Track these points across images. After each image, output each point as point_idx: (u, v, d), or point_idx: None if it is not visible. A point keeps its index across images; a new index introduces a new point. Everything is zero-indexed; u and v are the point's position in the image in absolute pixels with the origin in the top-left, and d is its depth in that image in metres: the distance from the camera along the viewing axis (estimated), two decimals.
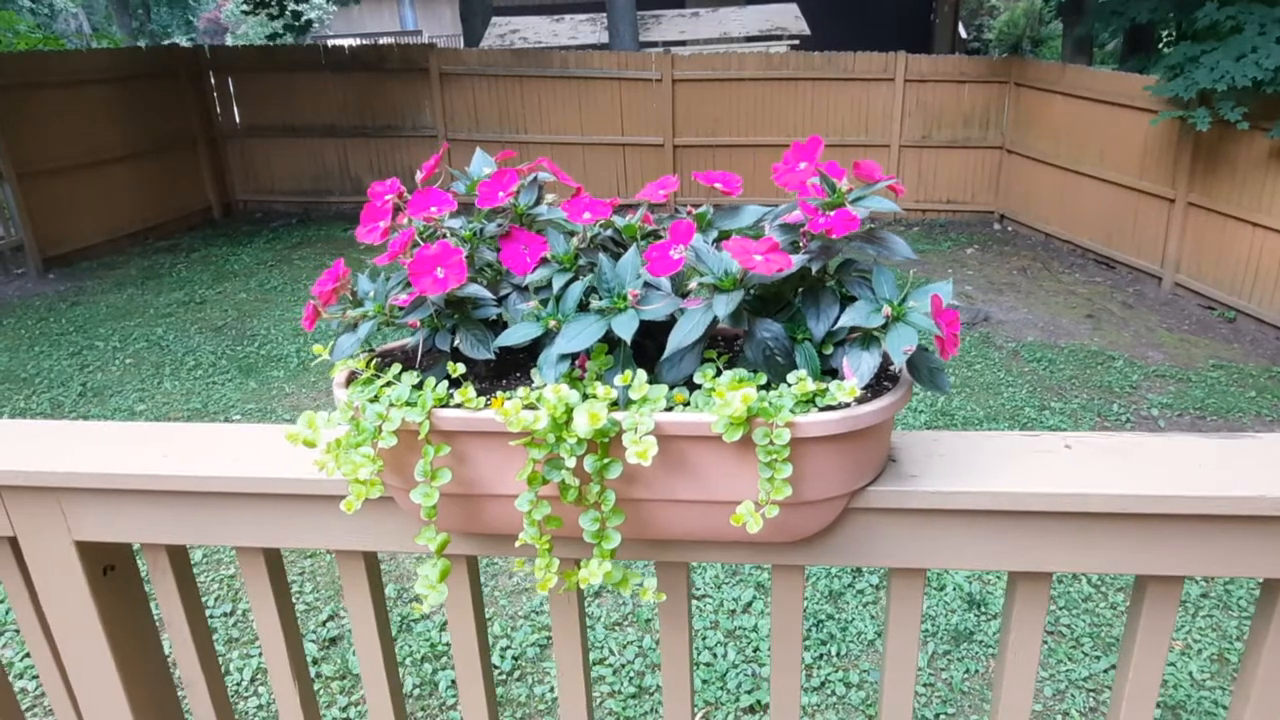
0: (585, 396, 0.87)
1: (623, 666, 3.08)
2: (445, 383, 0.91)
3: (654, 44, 12.35)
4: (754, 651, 3.13)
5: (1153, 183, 7.55)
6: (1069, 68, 8.60)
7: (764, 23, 12.97)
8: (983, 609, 3.34)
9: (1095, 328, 6.74)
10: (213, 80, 10.44)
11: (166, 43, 14.90)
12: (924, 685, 2.99)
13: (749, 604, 3.38)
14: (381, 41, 13.52)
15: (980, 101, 9.40)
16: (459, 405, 0.89)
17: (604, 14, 12.19)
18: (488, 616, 3.37)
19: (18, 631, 3.29)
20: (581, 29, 13.57)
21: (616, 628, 3.28)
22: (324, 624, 3.32)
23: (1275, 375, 5.81)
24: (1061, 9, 10.40)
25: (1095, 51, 11.15)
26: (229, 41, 27.47)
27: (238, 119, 10.63)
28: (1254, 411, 5.25)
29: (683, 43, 12.53)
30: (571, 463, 0.86)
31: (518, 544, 0.91)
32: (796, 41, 12.36)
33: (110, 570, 1.20)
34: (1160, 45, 10.00)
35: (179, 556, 1.19)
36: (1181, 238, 7.35)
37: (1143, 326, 6.78)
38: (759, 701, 2.89)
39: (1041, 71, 8.92)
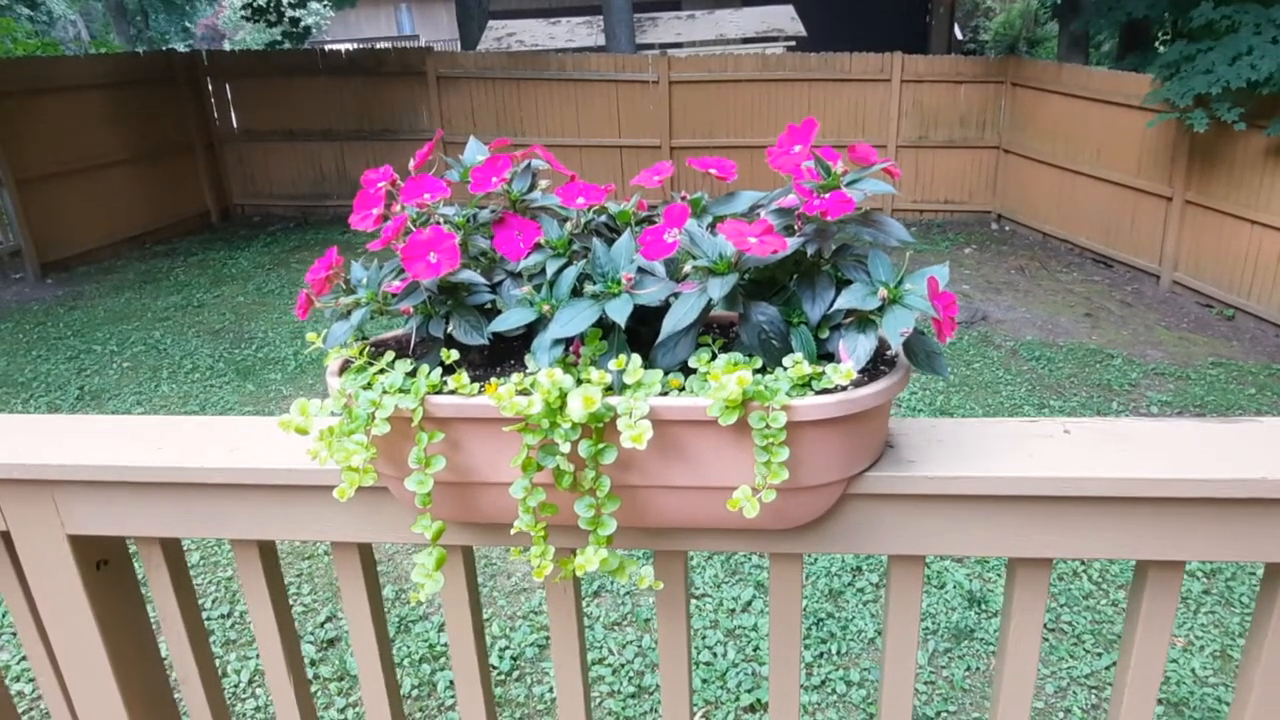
0: (579, 381, 0.86)
1: (622, 666, 3.06)
2: (439, 369, 0.90)
3: (650, 46, 12.36)
4: (754, 650, 3.12)
5: (1150, 181, 7.55)
6: (1065, 67, 8.61)
7: (760, 24, 12.98)
8: (983, 606, 3.33)
9: (1094, 326, 6.74)
10: (210, 85, 10.44)
11: (164, 49, 14.90)
12: (925, 683, 2.98)
13: (749, 603, 3.37)
14: (378, 46, 13.53)
15: (977, 101, 9.41)
16: (453, 391, 0.88)
17: (600, 17, 12.20)
18: (486, 616, 3.36)
19: (15, 634, 3.28)
20: (578, 32, 13.59)
21: (615, 627, 3.27)
22: (322, 625, 3.31)
23: (1274, 372, 5.81)
24: (1056, 9, 10.41)
25: (1091, 51, 11.16)
26: (226, 48, 27.47)
27: (235, 124, 10.63)
28: (1253, 408, 5.24)
29: (679, 45, 12.54)
30: (566, 448, 0.85)
31: (513, 531, 0.90)
32: (793, 43, 12.37)
33: (104, 565, 1.19)
34: (1156, 44, 10.01)
35: (173, 550, 1.18)
36: (1179, 236, 7.35)
37: (1141, 325, 6.78)
38: (759, 700, 2.88)
39: (1037, 71, 8.92)
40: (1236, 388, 5.54)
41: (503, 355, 0.99)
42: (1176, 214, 7.32)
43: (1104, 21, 8.47)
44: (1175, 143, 7.19)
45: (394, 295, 0.93)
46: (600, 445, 0.86)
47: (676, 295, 0.88)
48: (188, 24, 27.76)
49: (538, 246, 0.94)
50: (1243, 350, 6.24)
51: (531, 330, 0.91)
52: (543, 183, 1.01)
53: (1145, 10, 7.74)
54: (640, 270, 0.91)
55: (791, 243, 0.86)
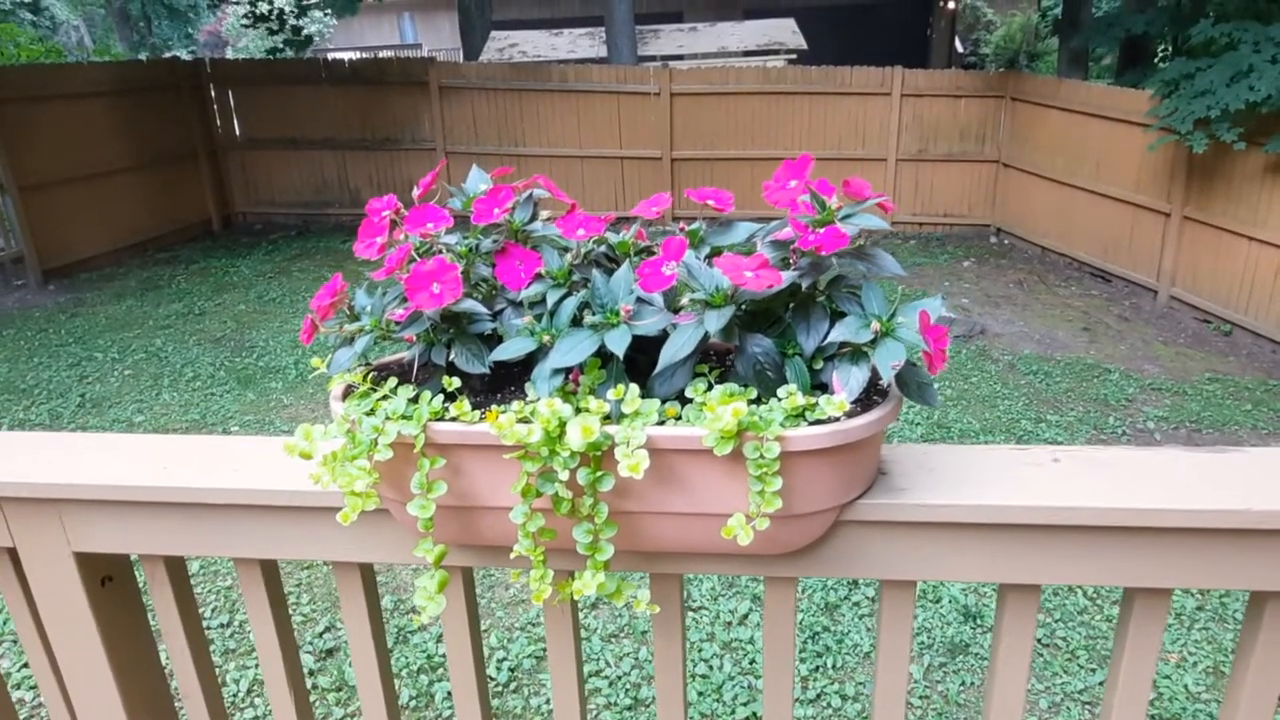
0: (578, 410, 0.88)
1: (619, 678, 3.08)
2: (441, 396, 0.92)
3: (652, 58, 12.41)
4: (750, 663, 3.13)
5: (1149, 197, 7.59)
6: (1065, 82, 8.65)
7: (761, 37, 13.04)
8: (978, 621, 3.35)
9: (1091, 341, 6.76)
10: (213, 93, 10.49)
11: (167, 55, 14.95)
12: (920, 698, 2.99)
13: (745, 616, 3.38)
14: (381, 55, 13.58)
15: (977, 115, 9.45)
16: (454, 419, 0.90)
17: (603, 28, 12.26)
18: (484, 628, 3.37)
19: (15, 641, 3.29)
20: (580, 43, 13.65)
21: (613, 639, 3.28)
22: (320, 635, 3.33)
23: (1271, 388, 5.83)
24: (1057, 24, 10.47)
25: (1091, 66, 11.21)
26: (229, 55, 27.54)
27: (238, 131, 10.67)
28: (1249, 424, 5.26)
29: (680, 57, 12.60)
30: (565, 475, 0.87)
31: (513, 555, 0.92)
32: (794, 56, 12.43)
33: (108, 581, 1.21)
34: (1156, 60, 10.06)
35: (177, 568, 1.20)
36: (1178, 251, 7.38)
37: (1139, 339, 6.80)
38: (755, 714, 2.89)
39: (1037, 86, 8.97)
40: (1233, 403, 5.56)
41: (503, 382, 1.01)
42: (1175, 229, 7.35)
43: (1104, 37, 8.53)
44: (1174, 159, 7.23)
45: (397, 323, 0.95)
46: (598, 473, 0.88)
47: (674, 326, 0.90)
48: (190, 30, 27.84)
49: (538, 276, 0.96)
50: (1239, 366, 6.26)
51: (532, 358, 0.93)
52: (544, 213, 1.03)
53: (1145, 27, 7.80)
54: (639, 301, 0.93)
55: (786, 277, 0.88)
